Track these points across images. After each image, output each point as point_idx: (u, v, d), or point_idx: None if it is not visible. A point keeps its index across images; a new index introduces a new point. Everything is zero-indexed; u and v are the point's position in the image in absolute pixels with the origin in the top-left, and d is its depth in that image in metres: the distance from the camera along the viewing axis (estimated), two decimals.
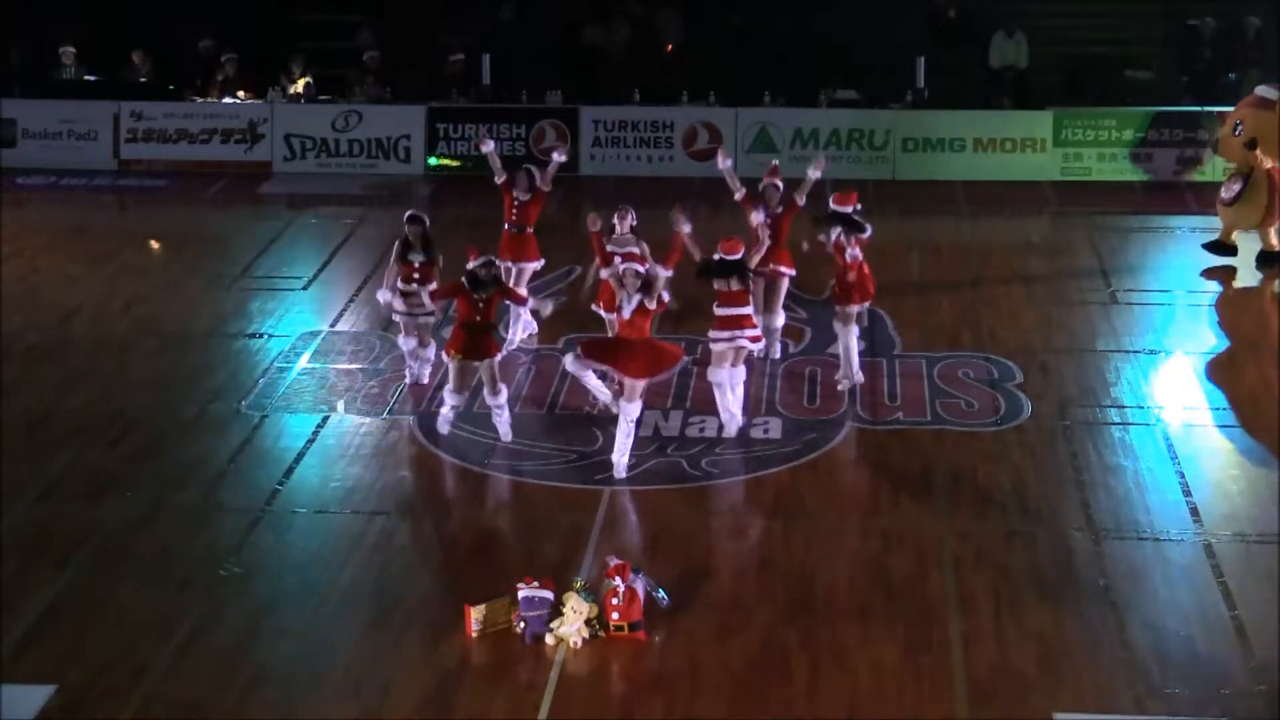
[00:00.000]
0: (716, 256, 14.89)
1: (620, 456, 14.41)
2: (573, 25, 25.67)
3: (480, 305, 14.77)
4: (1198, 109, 23.37)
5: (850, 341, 16.01)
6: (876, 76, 24.09)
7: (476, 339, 14.83)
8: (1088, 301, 18.59)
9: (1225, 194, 19.69)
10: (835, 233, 15.81)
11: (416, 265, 15.92)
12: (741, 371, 15.23)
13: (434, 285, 15.90)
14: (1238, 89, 23.60)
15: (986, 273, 19.47)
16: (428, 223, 16.13)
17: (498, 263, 15.60)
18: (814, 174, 17.15)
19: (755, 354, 15.84)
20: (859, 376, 16.07)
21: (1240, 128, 19.45)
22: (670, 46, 25.30)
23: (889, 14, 24.77)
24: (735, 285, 14.86)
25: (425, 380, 16.37)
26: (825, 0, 25.07)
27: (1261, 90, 19.92)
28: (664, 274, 14.52)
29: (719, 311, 14.98)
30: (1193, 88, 23.88)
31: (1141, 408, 16.00)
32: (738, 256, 14.90)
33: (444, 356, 15.27)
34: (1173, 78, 24.18)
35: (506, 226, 17.27)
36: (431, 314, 16.16)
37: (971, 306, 18.43)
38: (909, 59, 23.98)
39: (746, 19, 25.22)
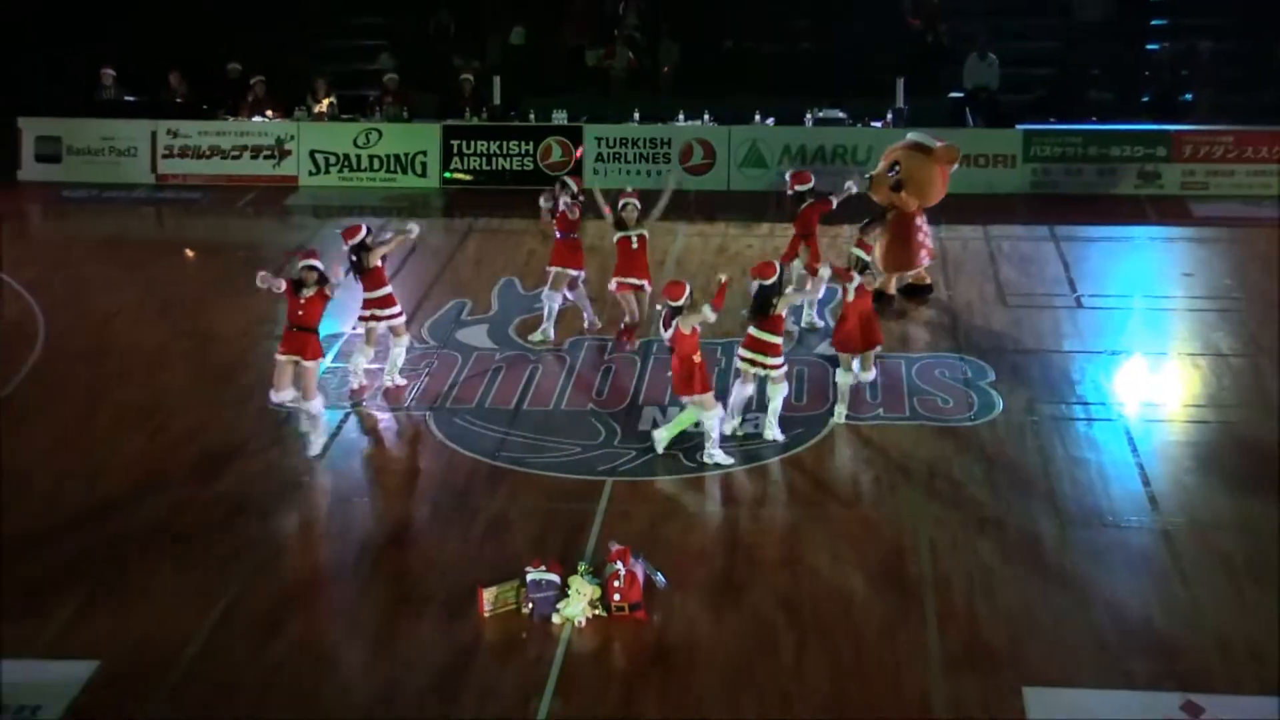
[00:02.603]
0: (756, 283, 14.63)
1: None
2: (577, 49, 25.69)
3: (301, 306, 14.57)
4: (1155, 127, 23.39)
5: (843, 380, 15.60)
6: (859, 96, 24.09)
7: (299, 339, 14.61)
8: (1055, 306, 18.62)
9: (861, 232, 18.15)
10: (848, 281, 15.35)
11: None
12: (784, 388, 15.05)
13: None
14: (1192, 108, 23.70)
15: (961, 279, 19.51)
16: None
17: (318, 266, 14.70)
18: (852, 188, 17.78)
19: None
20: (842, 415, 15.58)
21: (898, 169, 18.45)
22: (667, 69, 25.32)
23: (871, 38, 24.79)
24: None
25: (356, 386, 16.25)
26: (811, 26, 25.08)
27: (915, 136, 19.21)
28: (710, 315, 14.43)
29: (756, 336, 14.84)
30: (1151, 108, 23.90)
31: (1104, 404, 16.04)
32: (773, 281, 14.62)
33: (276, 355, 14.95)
34: (1134, 98, 24.20)
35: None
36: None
37: (947, 310, 18.50)
38: (889, 80, 23.99)
39: (738, 44, 25.25)
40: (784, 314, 14.85)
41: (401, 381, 16.40)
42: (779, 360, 14.84)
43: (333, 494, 14.31)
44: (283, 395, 14.82)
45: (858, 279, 15.30)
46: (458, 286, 19.59)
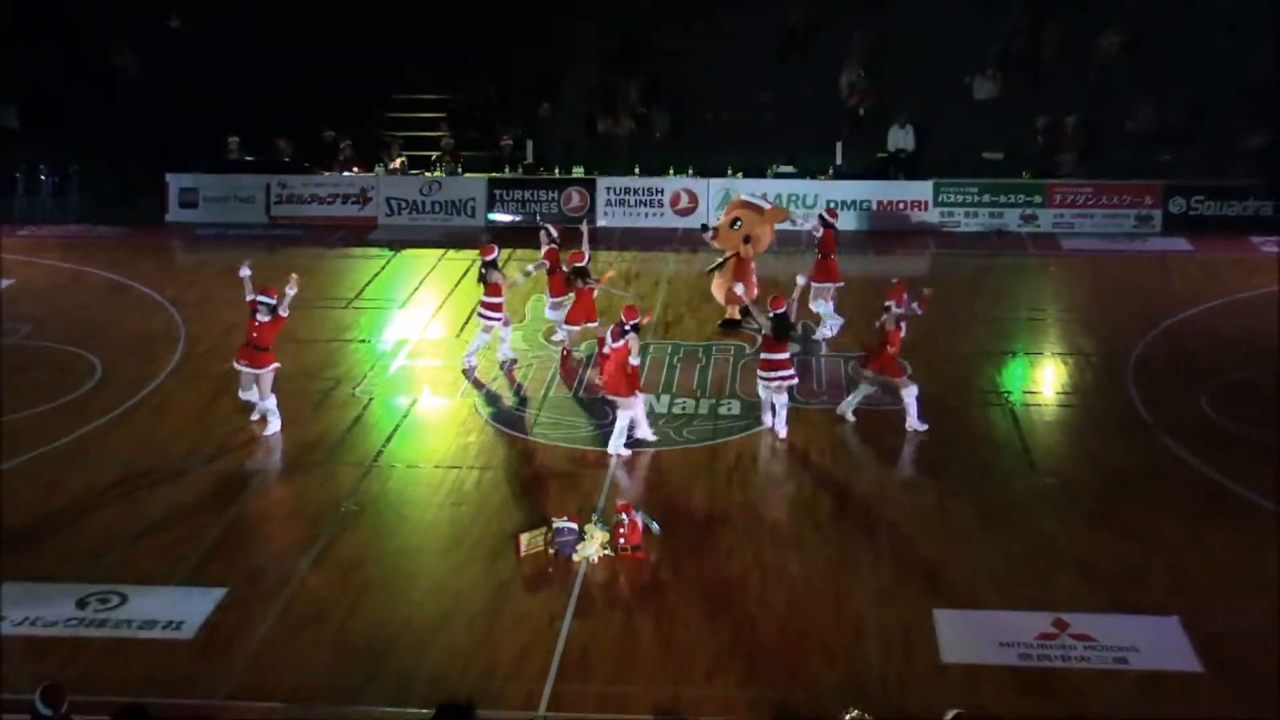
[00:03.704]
0: (771, 313, 14.27)
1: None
2: (591, 119, 25.65)
3: (256, 329, 14.42)
4: (1034, 181, 23.35)
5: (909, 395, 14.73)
6: (808, 155, 24.04)
7: (253, 354, 14.48)
8: (959, 317, 18.49)
9: (706, 272, 18.10)
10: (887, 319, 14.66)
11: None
12: (784, 398, 14.57)
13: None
14: (1058, 168, 23.60)
15: (887, 296, 19.37)
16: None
17: (270, 301, 14.37)
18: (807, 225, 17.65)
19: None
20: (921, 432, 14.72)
21: (739, 223, 17.53)
22: (660, 134, 25.26)
23: (817, 111, 24.72)
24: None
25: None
26: (771, 100, 25.01)
27: (749, 197, 18.76)
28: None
29: (771, 357, 14.39)
30: (1030, 165, 23.83)
31: (996, 392, 16.01)
32: (784, 311, 14.31)
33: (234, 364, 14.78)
34: (1018, 157, 24.11)
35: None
36: None
37: (876, 321, 18.31)
38: (831, 143, 23.95)
39: (715, 114, 25.20)
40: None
41: (475, 364, 16.56)
42: (780, 374, 14.48)
43: (403, 462, 14.26)
44: (248, 395, 14.74)
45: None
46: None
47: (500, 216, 23.70)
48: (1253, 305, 18.92)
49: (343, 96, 25.33)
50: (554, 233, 17.44)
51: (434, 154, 24.83)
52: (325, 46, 25.38)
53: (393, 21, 25.81)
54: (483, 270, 16.55)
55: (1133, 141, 23.72)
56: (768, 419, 14.69)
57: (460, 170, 24.47)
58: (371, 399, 15.87)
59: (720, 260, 17.70)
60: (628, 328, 13.98)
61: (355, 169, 24.48)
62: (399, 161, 24.65)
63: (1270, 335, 17.46)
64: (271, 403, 14.68)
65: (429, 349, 17.56)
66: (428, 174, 24.43)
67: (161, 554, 12.24)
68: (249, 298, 14.70)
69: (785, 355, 14.41)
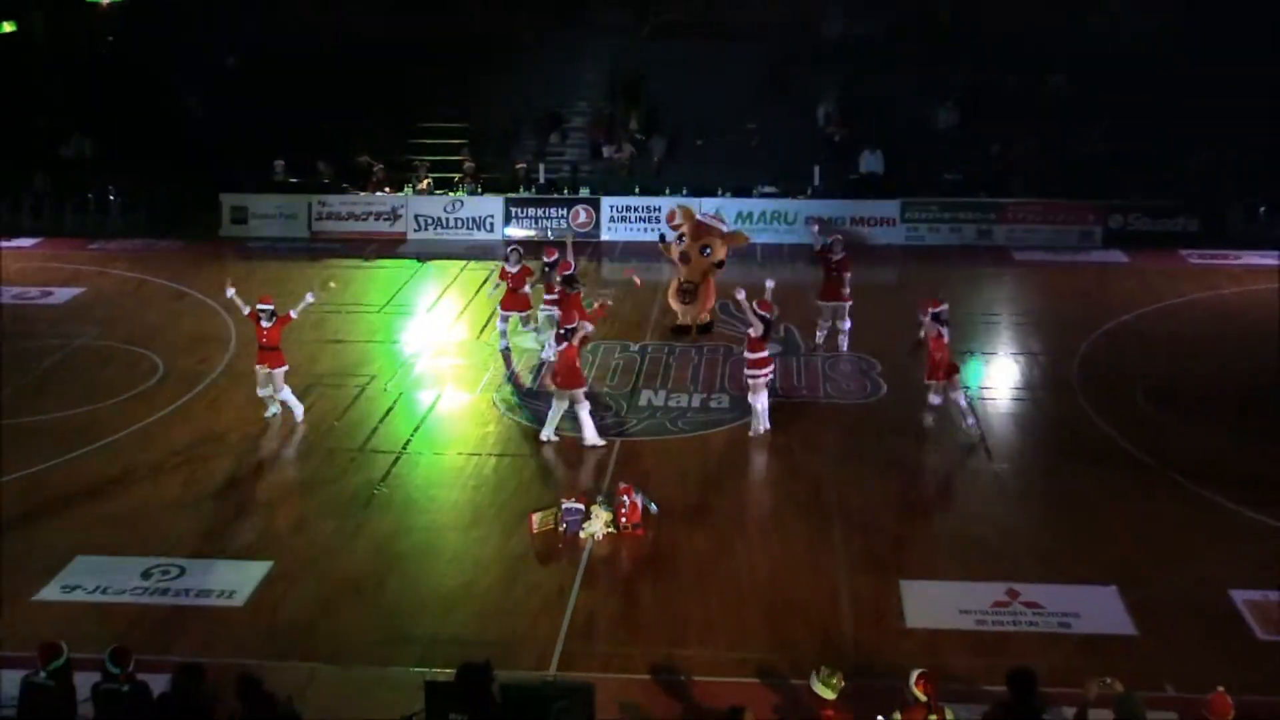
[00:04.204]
0: (764, 315, 13.97)
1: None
2: (596, 146, 25.62)
3: (265, 334, 14.42)
4: (989, 200, 23.26)
5: (959, 398, 14.27)
6: (789, 179, 23.98)
7: (268, 355, 14.48)
8: (921, 319, 18.30)
9: (684, 299, 17.38)
10: (927, 328, 14.21)
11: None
12: (764, 394, 14.21)
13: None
14: (1010, 189, 23.50)
15: (858, 302, 19.30)
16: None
17: (270, 307, 14.44)
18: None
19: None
20: (974, 427, 14.27)
21: (709, 250, 17.14)
22: (657, 159, 25.21)
23: (797, 138, 24.67)
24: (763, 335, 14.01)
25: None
26: (758, 127, 24.95)
27: (703, 216, 18.18)
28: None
29: (755, 356, 14.07)
30: (986, 186, 23.76)
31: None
32: (771, 315, 14.11)
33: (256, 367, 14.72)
34: (976, 179, 23.97)
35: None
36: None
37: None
38: (809, 167, 23.90)
39: (705, 140, 25.13)
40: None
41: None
42: (766, 370, 14.22)
43: (429, 449, 14.25)
44: (265, 390, 14.65)
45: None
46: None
47: (516, 232, 23.65)
48: (1181, 311, 18.95)
49: (376, 126, 25.40)
50: (521, 251, 17.24)
51: (456, 176, 24.75)
52: (361, 82, 25.46)
53: (421, 62, 25.82)
54: (544, 269, 16.67)
55: (1077, 166, 23.69)
56: (760, 426, 14.17)
57: (480, 190, 24.40)
58: (401, 394, 15.83)
59: (694, 287, 17.21)
60: (562, 331, 14.19)
61: (387, 190, 24.42)
62: (426, 183, 24.59)
63: (1196, 337, 17.53)
64: (288, 392, 14.68)
65: (452, 349, 17.50)
66: (451, 194, 24.38)
67: (216, 530, 12.25)
68: (245, 311, 14.78)
69: (766, 354, 14.28)
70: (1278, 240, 21.76)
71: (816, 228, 18.88)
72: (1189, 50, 23.68)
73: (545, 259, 16.78)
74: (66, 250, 22.81)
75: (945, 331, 14.15)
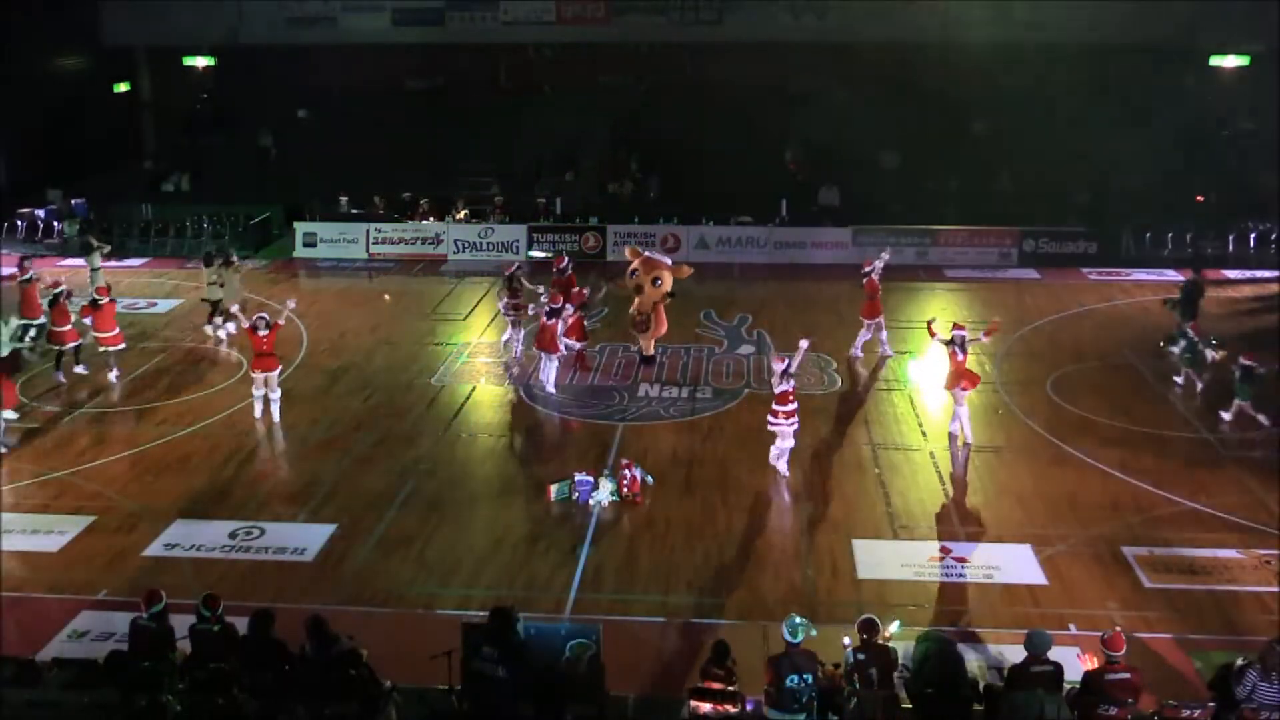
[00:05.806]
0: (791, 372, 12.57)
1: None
2: (603, 183, 25.56)
3: (264, 341, 14.08)
4: (925, 227, 23.11)
5: (962, 411, 13.45)
6: (760, 209, 23.86)
7: (266, 360, 14.15)
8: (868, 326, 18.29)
9: (641, 327, 16.12)
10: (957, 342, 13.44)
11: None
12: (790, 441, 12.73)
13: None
14: (943, 218, 23.36)
15: (816, 311, 19.22)
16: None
17: (266, 317, 14.18)
18: (886, 257, 16.80)
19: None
20: (969, 437, 13.40)
21: (660, 281, 15.85)
22: (653, 194, 25.13)
23: (760, 175, 24.53)
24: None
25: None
26: (734, 169, 24.80)
27: (652, 253, 16.84)
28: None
29: (785, 409, 12.53)
30: (923, 216, 23.54)
31: (899, 380, 15.90)
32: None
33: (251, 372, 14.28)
34: (916, 210, 23.77)
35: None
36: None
37: (814, 329, 16.99)
38: (777, 200, 23.81)
39: (694, 179, 24.98)
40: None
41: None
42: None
43: (466, 431, 14.19)
44: (260, 391, 14.30)
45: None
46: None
47: (536, 253, 23.65)
48: (1082, 319, 18.87)
49: (422, 166, 25.35)
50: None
51: (488, 208, 24.74)
52: (410, 130, 25.42)
53: (458, 113, 25.81)
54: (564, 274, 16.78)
55: (997, 198, 23.62)
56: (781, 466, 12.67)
57: (507, 220, 24.34)
58: (443, 386, 15.78)
59: (646, 317, 16.18)
60: (548, 309, 15.09)
61: (431, 219, 24.37)
62: (463, 214, 24.52)
63: (1094, 340, 17.47)
64: (279, 393, 14.32)
65: (484, 350, 17.41)
66: (484, 223, 24.33)
67: (290, 499, 12.22)
68: (245, 325, 14.62)
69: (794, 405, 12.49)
70: (1162, 260, 21.85)
71: (887, 256, 17.19)
72: (1092, 103, 23.60)
73: (556, 266, 16.72)
74: (168, 269, 22.75)
75: (960, 351, 13.34)
